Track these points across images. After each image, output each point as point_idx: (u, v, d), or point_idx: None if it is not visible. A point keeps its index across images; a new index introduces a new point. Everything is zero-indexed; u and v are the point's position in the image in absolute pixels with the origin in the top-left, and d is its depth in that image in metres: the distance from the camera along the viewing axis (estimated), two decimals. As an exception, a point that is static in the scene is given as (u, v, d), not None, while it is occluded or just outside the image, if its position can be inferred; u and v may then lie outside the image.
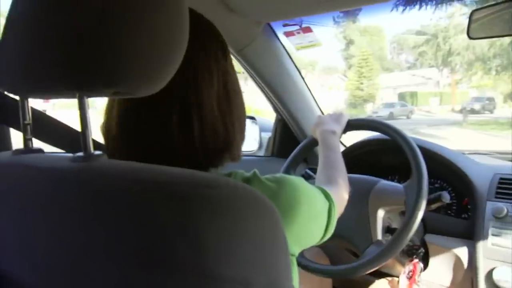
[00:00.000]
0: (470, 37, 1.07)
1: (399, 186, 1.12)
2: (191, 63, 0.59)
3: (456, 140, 11.56)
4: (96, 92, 0.44)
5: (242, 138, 0.68)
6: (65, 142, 0.83)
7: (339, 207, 0.81)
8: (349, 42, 27.63)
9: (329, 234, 0.73)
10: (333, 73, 28.85)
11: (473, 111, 18.72)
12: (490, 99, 20.09)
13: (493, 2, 1.08)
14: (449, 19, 22.30)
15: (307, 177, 1.33)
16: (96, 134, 0.66)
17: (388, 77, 26.10)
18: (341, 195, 0.86)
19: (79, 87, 0.42)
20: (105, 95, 0.46)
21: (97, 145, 0.68)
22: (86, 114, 0.46)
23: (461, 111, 19.16)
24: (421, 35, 24.58)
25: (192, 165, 0.60)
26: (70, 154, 0.48)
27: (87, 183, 0.43)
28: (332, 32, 27.27)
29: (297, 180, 0.65)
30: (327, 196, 0.73)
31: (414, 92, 24.23)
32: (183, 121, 0.59)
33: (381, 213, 1.13)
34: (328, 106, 20.75)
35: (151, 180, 0.41)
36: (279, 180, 0.62)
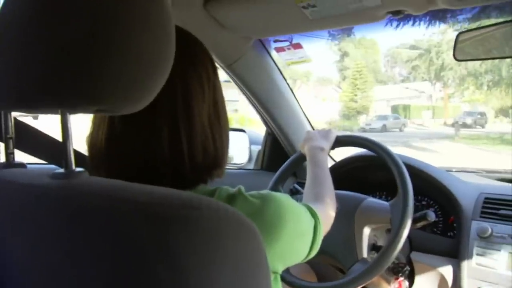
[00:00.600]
0: (456, 59, 1.08)
1: (385, 204, 1.12)
2: (181, 79, 0.60)
3: (448, 154, 11.64)
4: (79, 108, 0.43)
5: (228, 153, 0.69)
6: (49, 154, 0.82)
7: (325, 225, 0.81)
8: (344, 54, 27.84)
9: (314, 252, 0.73)
10: (327, 85, 29.00)
11: (465, 125, 18.89)
12: (482, 114, 20.30)
13: (479, 25, 1.10)
14: (442, 34, 22.60)
15: (295, 192, 1.33)
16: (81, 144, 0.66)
17: (381, 90, 26.28)
18: (328, 213, 0.86)
19: (62, 103, 0.42)
20: (88, 112, 0.46)
21: (80, 157, 0.68)
22: (68, 131, 0.46)
23: (453, 125, 19.32)
24: (415, 50, 24.83)
25: (181, 182, 0.60)
26: (53, 166, 0.48)
27: (67, 200, 0.43)
28: (327, 44, 27.51)
29: (282, 197, 0.65)
30: (313, 214, 0.73)
31: (407, 105, 24.41)
32: (172, 137, 0.59)
33: (367, 230, 1.13)
34: (322, 117, 20.85)
35: (131, 200, 0.41)
36: (264, 196, 0.62)
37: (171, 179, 0.59)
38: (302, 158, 1.21)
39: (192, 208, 0.41)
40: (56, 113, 0.45)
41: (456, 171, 1.54)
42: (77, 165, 0.47)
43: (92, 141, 0.63)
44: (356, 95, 25.03)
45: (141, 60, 0.43)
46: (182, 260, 0.38)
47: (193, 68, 0.62)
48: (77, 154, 0.64)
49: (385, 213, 1.09)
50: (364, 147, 1.18)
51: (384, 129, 19.87)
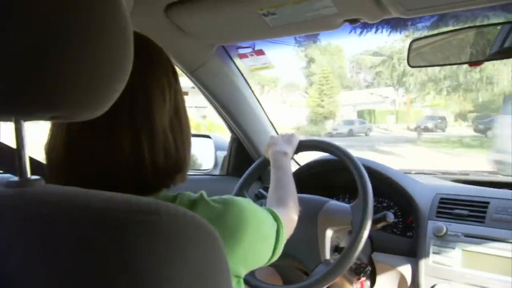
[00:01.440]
0: (410, 65, 1.13)
1: (346, 206, 1.15)
2: (141, 85, 0.60)
3: (411, 157, 11.97)
4: (33, 116, 0.42)
5: (190, 157, 0.69)
6: (4, 162, 0.80)
7: (288, 228, 0.82)
8: (310, 61, 28.20)
9: (277, 255, 0.74)
10: (295, 90, 29.28)
11: (426, 129, 19.45)
12: (442, 118, 20.98)
13: (432, 33, 1.14)
14: (403, 42, 23.25)
15: (261, 197, 1.34)
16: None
17: (347, 95, 26.75)
18: (290, 217, 0.88)
19: (15, 110, 0.41)
20: (43, 119, 0.45)
21: (37, 165, 0.66)
22: (22, 138, 0.45)
23: (415, 129, 19.87)
24: (378, 56, 25.46)
25: (142, 187, 0.60)
26: (8, 175, 0.47)
27: (21, 209, 0.42)
28: (293, 50, 27.81)
29: (244, 202, 0.65)
30: (275, 218, 0.74)
31: (372, 110, 24.92)
32: (133, 143, 0.58)
33: (329, 232, 1.15)
34: (290, 122, 21.01)
35: (88, 206, 0.40)
36: (225, 201, 0.63)
37: (133, 185, 0.59)
38: (266, 162, 1.22)
39: (150, 213, 0.41)
40: (9, 120, 0.44)
41: (414, 173, 1.60)
42: (34, 173, 0.46)
43: (50, 148, 0.61)
44: (323, 100, 25.36)
45: (97, 66, 0.42)
46: (140, 265, 0.38)
47: (153, 73, 0.62)
48: (34, 162, 0.63)
49: (347, 215, 1.12)
50: (326, 151, 1.20)
51: (350, 133, 20.22)
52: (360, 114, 24.87)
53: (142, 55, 0.59)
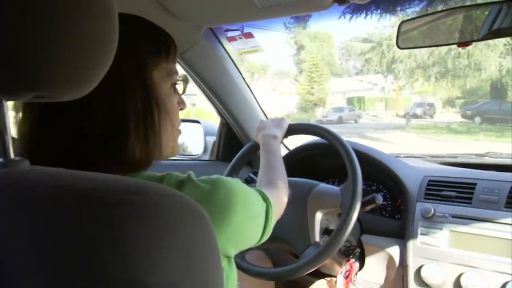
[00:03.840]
0: (399, 47, 1.12)
1: (336, 188, 1.15)
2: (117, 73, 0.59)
3: (400, 144, 12.09)
4: (15, 95, 0.42)
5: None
6: None
7: (278, 209, 0.82)
8: (300, 47, 28.14)
9: (266, 235, 0.74)
10: (284, 78, 29.25)
11: (415, 116, 19.64)
12: (431, 105, 21.18)
13: (420, 15, 1.14)
14: (393, 28, 23.30)
15: (250, 181, 1.34)
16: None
17: (337, 82, 26.82)
18: (280, 198, 0.88)
19: None
20: (26, 99, 0.44)
21: (23, 146, 0.65)
22: (5, 118, 0.44)
23: (404, 116, 20.03)
24: (367, 43, 25.46)
25: (125, 168, 0.60)
26: None
27: (6, 190, 0.41)
28: (283, 37, 27.69)
29: (232, 181, 0.65)
30: (264, 198, 0.74)
31: (361, 97, 25.07)
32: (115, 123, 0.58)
33: (319, 215, 1.16)
34: (280, 110, 21.04)
35: (75, 187, 0.40)
36: (213, 181, 0.63)
37: (116, 164, 0.59)
38: (256, 147, 1.22)
39: (139, 193, 0.41)
40: None
41: (403, 157, 1.61)
42: (18, 155, 0.45)
43: (26, 129, 0.60)
44: (312, 87, 25.40)
45: (82, 46, 0.41)
46: (129, 246, 0.38)
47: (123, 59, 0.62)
48: (19, 143, 0.62)
49: (336, 197, 1.12)
50: (316, 135, 1.20)
51: (340, 120, 20.33)
52: (350, 101, 24.99)
53: (133, 31, 0.61)
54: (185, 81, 0.73)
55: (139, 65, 0.62)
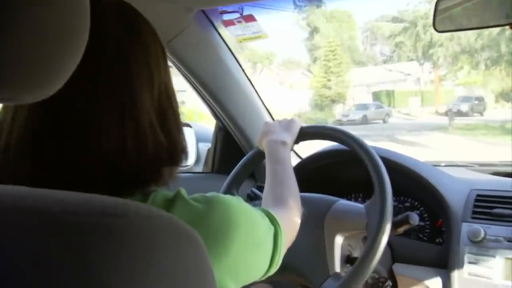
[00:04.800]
0: (436, 29, 1.14)
1: (360, 206, 1.16)
2: (123, 60, 0.62)
3: (441, 148, 12.05)
4: None
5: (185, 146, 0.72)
6: None
7: (289, 233, 0.83)
8: (314, 30, 28.18)
9: (275, 267, 0.75)
10: (295, 68, 29.28)
11: (460, 113, 19.57)
12: (480, 99, 21.06)
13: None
14: (430, 3, 23.29)
15: (254, 198, 1.35)
16: None
17: (360, 73, 26.78)
18: (291, 219, 0.88)
19: None
20: None
21: None
22: None
23: (446, 114, 19.97)
24: (398, 23, 25.47)
25: (120, 187, 0.61)
26: None
27: None
28: (292, 18, 27.75)
29: (232, 200, 0.67)
30: (272, 220, 0.75)
31: (391, 90, 24.99)
32: (115, 131, 0.60)
33: (339, 239, 1.17)
34: (289, 108, 21.05)
35: (36, 209, 0.40)
36: (209, 200, 0.64)
37: (109, 185, 0.60)
38: (260, 155, 1.23)
39: (116, 215, 0.41)
40: None
41: (444, 166, 1.62)
42: None
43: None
44: (329, 80, 25.40)
45: (47, 39, 0.42)
46: (106, 278, 0.38)
47: (138, 48, 0.64)
48: None
49: (360, 217, 1.13)
50: (333, 140, 1.21)
51: (365, 120, 20.33)
52: (376, 96, 24.95)
53: (122, 23, 0.62)
54: None
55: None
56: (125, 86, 0.61)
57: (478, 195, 1.31)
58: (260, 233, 0.70)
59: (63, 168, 0.58)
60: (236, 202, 0.67)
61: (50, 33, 0.42)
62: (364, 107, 22.01)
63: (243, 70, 1.60)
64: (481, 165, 1.65)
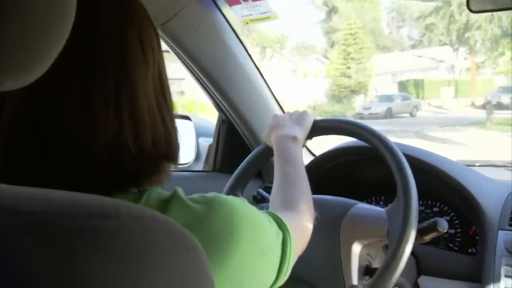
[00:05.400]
0: (470, 10, 1.14)
1: (380, 210, 1.17)
2: (117, 43, 0.63)
3: (477, 146, 11.99)
4: None
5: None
6: None
7: (299, 240, 0.84)
8: (332, 11, 28.15)
9: (283, 277, 0.75)
10: (309, 54, 29.28)
11: (500, 106, 19.43)
12: (524, 90, 20.90)
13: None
14: (466, -21, 23.11)
15: (260, 200, 1.36)
16: None
17: (385, 59, 26.70)
18: (303, 225, 0.89)
19: None
20: None
21: None
22: None
23: (484, 106, 19.85)
24: (429, 1, 25.31)
25: (118, 185, 0.63)
26: None
27: None
28: (307, -4, 27.67)
29: (236, 202, 0.68)
30: (280, 225, 0.76)
31: (420, 80, 24.93)
32: (111, 122, 0.61)
33: (357, 247, 1.17)
34: (303, 99, 21.02)
35: (18, 209, 0.41)
36: (210, 201, 0.65)
37: (105, 183, 0.61)
38: (268, 152, 1.24)
39: (106, 217, 0.42)
40: None
41: (479, 166, 1.62)
42: None
43: None
44: (349, 67, 25.36)
45: (27, 20, 0.43)
46: (94, 284, 0.39)
47: (132, 27, 0.65)
48: None
49: (381, 222, 1.14)
50: (351, 135, 1.22)
51: (389, 114, 20.30)
52: (403, 86, 24.88)
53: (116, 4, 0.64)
54: None
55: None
56: (120, 67, 0.62)
57: None
58: (266, 239, 0.71)
59: (49, 161, 0.60)
60: (240, 204, 0.68)
61: (32, 14, 0.43)
62: (389, 98, 21.96)
63: (249, 55, 1.61)
64: (522, 165, 1.65)
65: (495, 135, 14.93)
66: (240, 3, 1.47)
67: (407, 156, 1.13)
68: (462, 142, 13.00)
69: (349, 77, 25.21)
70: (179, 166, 1.80)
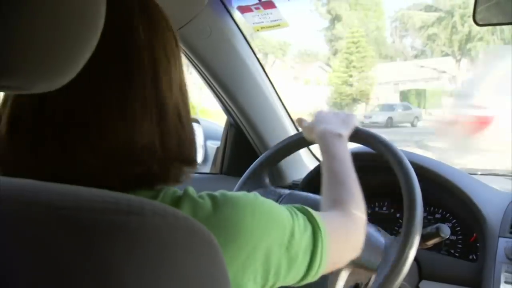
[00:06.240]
0: (476, 23, 1.15)
1: (380, 242, 1.15)
2: (147, 48, 0.66)
3: (478, 156, 11.93)
4: None
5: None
6: None
7: (343, 241, 0.84)
8: (335, 19, 28.07)
9: (314, 273, 0.75)
10: (312, 61, 29.18)
11: (501, 117, 19.32)
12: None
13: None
14: (469, -9, 23.07)
15: None
16: None
17: (387, 69, 26.60)
18: (348, 226, 0.87)
19: None
20: None
21: None
22: None
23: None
24: (432, 12, 25.21)
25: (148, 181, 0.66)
26: None
27: None
28: (311, 4, 27.64)
29: (243, 195, 0.69)
30: (310, 219, 0.75)
31: (422, 89, 24.80)
32: (143, 119, 0.64)
33: (345, 273, 1.16)
34: (304, 106, 20.96)
35: (51, 205, 0.44)
36: (215, 196, 0.67)
37: (134, 183, 0.65)
38: (304, 141, 1.25)
39: (132, 213, 0.45)
40: None
41: (481, 174, 1.64)
42: None
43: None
44: (351, 76, 25.24)
45: (60, 22, 0.44)
46: (119, 279, 0.42)
47: (159, 34, 0.69)
48: None
49: (375, 257, 1.12)
50: (363, 143, 1.23)
51: (390, 123, 20.24)
52: (405, 95, 24.78)
53: (144, 12, 0.67)
54: None
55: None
56: (153, 76, 0.66)
57: None
58: (284, 231, 0.70)
59: (72, 162, 0.62)
60: (248, 197, 0.69)
61: (64, 17, 0.44)
62: (390, 108, 21.93)
63: (259, 61, 1.64)
64: (523, 174, 1.67)
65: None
66: (252, 11, 1.50)
67: (413, 164, 1.14)
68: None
69: (351, 85, 25.11)
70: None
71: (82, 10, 0.46)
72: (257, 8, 1.48)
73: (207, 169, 1.85)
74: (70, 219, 0.43)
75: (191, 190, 0.68)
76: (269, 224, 0.69)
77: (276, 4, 1.47)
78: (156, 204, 0.48)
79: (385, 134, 1.20)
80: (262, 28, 1.53)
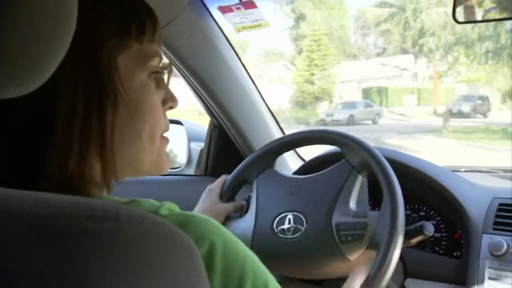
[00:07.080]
0: (456, 21, 1.16)
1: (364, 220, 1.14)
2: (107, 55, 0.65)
3: (430, 153, 12.12)
4: None
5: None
6: None
7: None
8: (300, 17, 28.08)
9: None
10: (277, 60, 29.20)
11: (461, 114, 19.66)
12: (484, 99, 21.14)
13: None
14: (424, -17, 23.13)
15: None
16: None
17: (350, 67, 26.77)
18: None
19: None
20: None
21: None
22: None
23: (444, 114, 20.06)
24: (385, 7, 25.16)
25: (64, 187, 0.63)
26: None
27: None
28: (275, 3, 27.64)
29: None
30: None
31: (383, 87, 25.12)
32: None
33: None
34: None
35: (23, 212, 0.42)
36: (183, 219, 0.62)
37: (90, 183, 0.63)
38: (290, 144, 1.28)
39: (107, 219, 0.43)
40: None
41: (464, 171, 1.65)
42: None
43: None
44: (313, 74, 25.27)
45: (29, 23, 0.43)
46: (97, 286, 0.41)
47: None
48: None
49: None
50: (323, 142, 1.26)
51: (351, 121, 20.52)
52: (367, 93, 25.05)
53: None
54: (166, 68, 0.76)
55: (94, 47, 0.65)
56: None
57: (501, 204, 1.34)
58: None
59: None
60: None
61: (34, 21, 0.43)
62: (352, 105, 22.20)
63: (241, 62, 1.64)
64: (505, 171, 1.69)
65: (449, 142, 15.14)
66: (233, 11, 1.48)
67: (393, 161, 1.15)
68: (416, 149, 13.10)
69: (313, 83, 25.17)
70: (171, 169, 1.81)
71: (53, 15, 0.45)
72: (238, 8, 1.47)
73: (191, 171, 1.83)
74: (43, 226, 0.41)
75: (166, 206, 0.64)
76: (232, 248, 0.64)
77: (257, 4, 1.47)
78: (132, 209, 0.47)
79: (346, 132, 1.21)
80: (243, 28, 1.52)
